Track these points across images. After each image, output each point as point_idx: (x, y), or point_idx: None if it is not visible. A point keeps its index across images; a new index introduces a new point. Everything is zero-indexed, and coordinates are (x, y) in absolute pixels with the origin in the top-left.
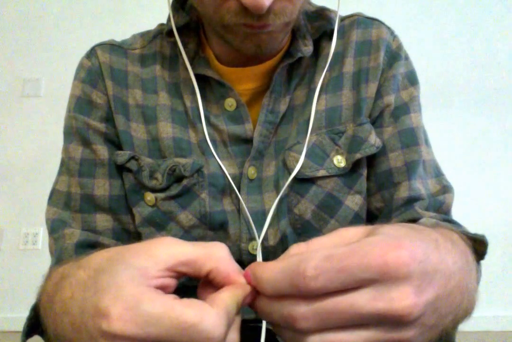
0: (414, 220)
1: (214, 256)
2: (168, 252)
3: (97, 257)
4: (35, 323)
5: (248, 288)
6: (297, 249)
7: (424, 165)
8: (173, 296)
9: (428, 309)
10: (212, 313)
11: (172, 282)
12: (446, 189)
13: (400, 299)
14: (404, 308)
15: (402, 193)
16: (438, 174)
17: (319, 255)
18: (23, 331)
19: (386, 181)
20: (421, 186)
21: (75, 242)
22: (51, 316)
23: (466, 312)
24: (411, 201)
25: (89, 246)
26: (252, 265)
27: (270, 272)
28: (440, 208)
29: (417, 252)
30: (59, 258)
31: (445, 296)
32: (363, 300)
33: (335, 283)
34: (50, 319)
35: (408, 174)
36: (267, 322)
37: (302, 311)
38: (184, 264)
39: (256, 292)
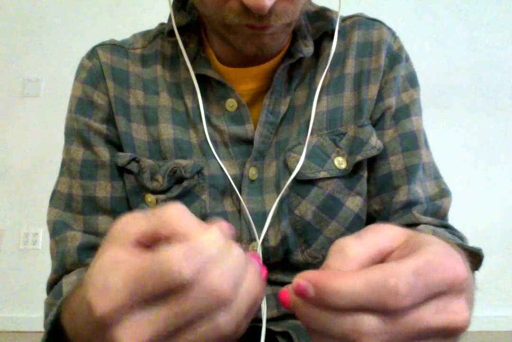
0: (411, 224)
1: (166, 222)
2: (126, 230)
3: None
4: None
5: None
6: (354, 249)
7: (424, 168)
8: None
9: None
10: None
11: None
12: (444, 192)
13: (460, 312)
14: (462, 321)
15: (401, 196)
16: (436, 176)
17: (408, 271)
18: None
19: (386, 184)
20: (420, 189)
21: (77, 244)
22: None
23: None
24: (410, 204)
25: (91, 249)
26: (310, 275)
27: (349, 284)
28: (437, 213)
29: (466, 267)
30: (61, 261)
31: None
32: (430, 314)
33: (420, 299)
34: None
35: (407, 177)
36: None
37: (373, 327)
38: (145, 239)
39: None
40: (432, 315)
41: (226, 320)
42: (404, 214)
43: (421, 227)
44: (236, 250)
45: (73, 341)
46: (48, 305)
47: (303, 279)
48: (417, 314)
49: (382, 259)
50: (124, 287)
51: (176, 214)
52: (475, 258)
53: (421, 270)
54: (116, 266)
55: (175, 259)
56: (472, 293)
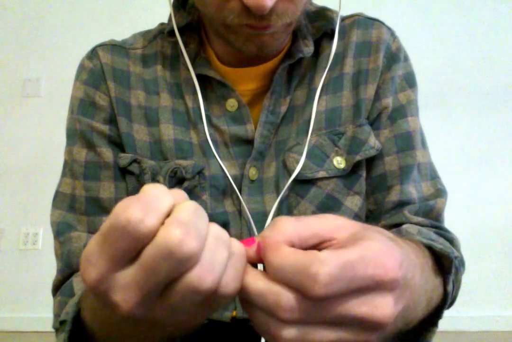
0: (401, 224)
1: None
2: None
3: None
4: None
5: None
6: (285, 224)
7: (419, 168)
8: None
9: (397, 319)
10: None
11: None
12: (439, 192)
13: (383, 307)
14: (384, 316)
15: (393, 196)
16: (433, 177)
17: (334, 262)
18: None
19: (380, 184)
20: (414, 189)
21: (83, 244)
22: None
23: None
24: (401, 204)
25: None
26: (267, 241)
27: (281, 259)
28: (430, 213)
29: (406, 268)
30: (67, 261)
31: (409, 307)
32: (351, 304)
33: (340, 290)
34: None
35: (401, 178)
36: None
37: (292, 303)
38: None
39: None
40: (351, 306)
41: (197, 274)
42: (395, 214)
43: (406, 226)
44: (191, 202)
45: (96, 336)
46: (59, 304)
47: (261, 239)
48: (335, 303)
49: (320, 244)
50: (100, 252)
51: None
52: (447, 260)
53: (350, 263)
54: (94, 238)
55: (132, 211)
56: (410, 294)
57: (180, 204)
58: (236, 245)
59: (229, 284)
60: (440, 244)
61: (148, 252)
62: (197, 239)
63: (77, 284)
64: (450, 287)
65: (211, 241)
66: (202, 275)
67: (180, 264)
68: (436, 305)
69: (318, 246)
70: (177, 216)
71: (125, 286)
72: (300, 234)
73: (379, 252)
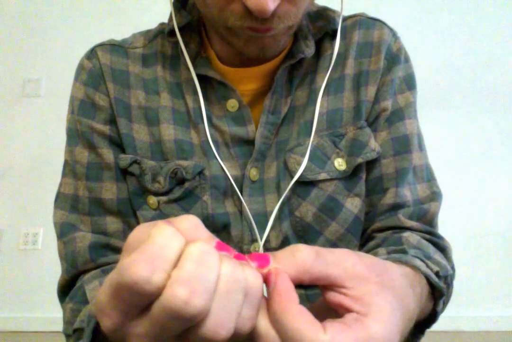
0: (395, 227)
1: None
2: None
3: None
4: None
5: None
6: (303, 259)
7: (415, 170)
8: None
9: None
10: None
11: None
12: (434, 196)
13: None
14: None
15: (388, 199)
16: (430, 179)
17: None
18: None
19: (376, 187)
20: (409, 192)
21: (87, 244)
22: None
23: None
24: (396, 207)
25: (102, 247)
26: (279, 278)
27: (286, 317)
28: (424, 217)
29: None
30: (72, 261)
31: None
32: None
33: None
34: None
35: (396, 180)
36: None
37: None
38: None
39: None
40: None
41: (209, 328)
42: (389, 216)
43: (407, 234)
44: (198, 244)
45: None
46: (72, 311)
47: (275, 275)
48: None
49: (327, 284)
50: (112, 304)
51: (185, 226)
52: (439, 293)
53: None
54: (104, 287)
55: (138, 270)
56: None
57: (186, 250)
58: (252, 278)
59: (246, 324)
60: (436, 263)
61: (156, 310)
62: (203, 295)
63: (90, 291)
64: (439, 308)
65: (223, 287)
66: (215, 328)
67: (189, 321)
68: (423, 318)
69: (325, 285)
70: (182, 269)
71: (139, 335)
72: (313, 274)
73: (377, 339)
